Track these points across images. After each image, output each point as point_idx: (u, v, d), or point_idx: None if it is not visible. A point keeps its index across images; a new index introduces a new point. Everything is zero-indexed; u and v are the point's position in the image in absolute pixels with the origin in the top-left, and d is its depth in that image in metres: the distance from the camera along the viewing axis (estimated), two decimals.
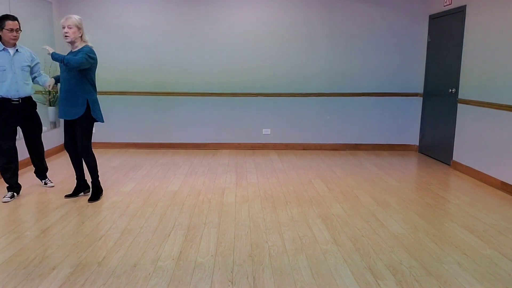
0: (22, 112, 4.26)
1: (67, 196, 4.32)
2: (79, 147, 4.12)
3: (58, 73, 4.18)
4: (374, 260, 3.02)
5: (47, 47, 3.96)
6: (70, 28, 3.87)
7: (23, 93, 4.21)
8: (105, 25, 6.69)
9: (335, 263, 2.96)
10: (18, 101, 4.19)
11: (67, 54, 3.99)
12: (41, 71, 4.44)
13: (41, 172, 4.70)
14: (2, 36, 4.10)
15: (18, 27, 4.13)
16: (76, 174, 4.36)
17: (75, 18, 3.92)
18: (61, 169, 5.53)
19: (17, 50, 4.18)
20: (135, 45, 6.74)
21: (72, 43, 3.96)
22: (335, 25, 6.77)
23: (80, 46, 3.97)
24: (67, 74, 3.95)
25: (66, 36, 3.89)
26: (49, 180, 4.75)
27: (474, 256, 3.10)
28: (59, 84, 4.21)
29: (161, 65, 6.79)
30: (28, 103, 4.31)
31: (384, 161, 6.29)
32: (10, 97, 4.15)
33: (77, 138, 4.09)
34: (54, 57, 3.87)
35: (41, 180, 4.74)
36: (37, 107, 4.46)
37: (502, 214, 4.03)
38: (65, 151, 4.56)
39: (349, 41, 6.81)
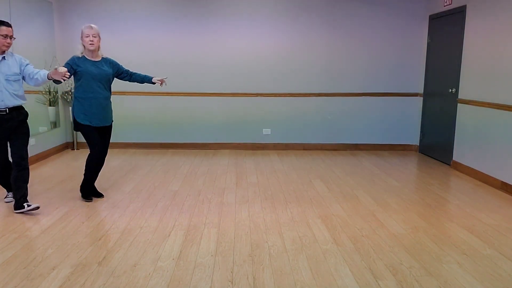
0: (9, 122, 3.87)
1: (87, 200, 4.27)
2: (105, 149, 4.36)
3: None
4: (374, 260, 3.02)
5: (162, 81, 4.48)
6: (95, 37, 4.07)
7: (10, 103, 3.84)
8: (105, 25, 6.68)
9: (335, 263, 2.96)
10: (5, 111, 3.83)
11: (79, 62, 4.07)
12: (36, 69, 4.03)
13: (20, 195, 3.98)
14: None
15: (12, 34, 3.84)
16: (94, 179, 4.32)
17: (97, 27, 4.11)
18: (62, 169, 5.54)
19: (3, 57, 3.82)
20: (135, 45, 6.74)
21: (94, 51, 4.11)
22: (335, 25, 6.76)
23: (100, 56, 4.20)
24: (105, 84, 4.23)
25: (92, 44, 4.04)
26: (28, 205, 3.94)
27: (474, 256, 3.10)
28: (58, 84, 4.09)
29: (161, 65, 6.78)
30: (17, 112, 3.92)
31: (384, 161, 6.29)
32: None
33: (106, 142, 4.37)
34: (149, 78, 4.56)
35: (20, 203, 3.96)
36: (28, 117, 4.04)
37: (502, 214, 4.03)
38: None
39: (349, 41, 6.81)
